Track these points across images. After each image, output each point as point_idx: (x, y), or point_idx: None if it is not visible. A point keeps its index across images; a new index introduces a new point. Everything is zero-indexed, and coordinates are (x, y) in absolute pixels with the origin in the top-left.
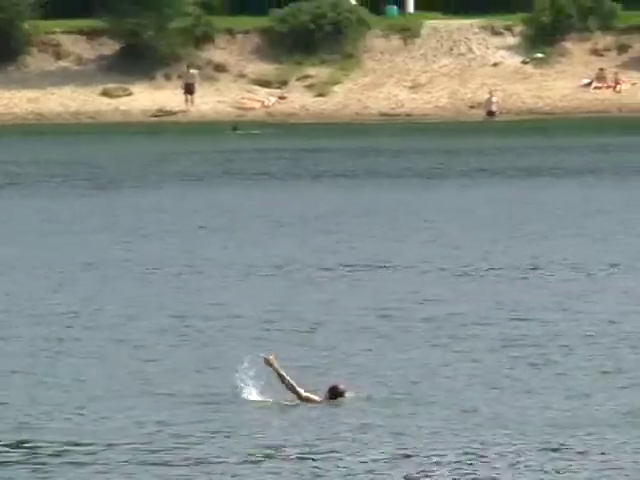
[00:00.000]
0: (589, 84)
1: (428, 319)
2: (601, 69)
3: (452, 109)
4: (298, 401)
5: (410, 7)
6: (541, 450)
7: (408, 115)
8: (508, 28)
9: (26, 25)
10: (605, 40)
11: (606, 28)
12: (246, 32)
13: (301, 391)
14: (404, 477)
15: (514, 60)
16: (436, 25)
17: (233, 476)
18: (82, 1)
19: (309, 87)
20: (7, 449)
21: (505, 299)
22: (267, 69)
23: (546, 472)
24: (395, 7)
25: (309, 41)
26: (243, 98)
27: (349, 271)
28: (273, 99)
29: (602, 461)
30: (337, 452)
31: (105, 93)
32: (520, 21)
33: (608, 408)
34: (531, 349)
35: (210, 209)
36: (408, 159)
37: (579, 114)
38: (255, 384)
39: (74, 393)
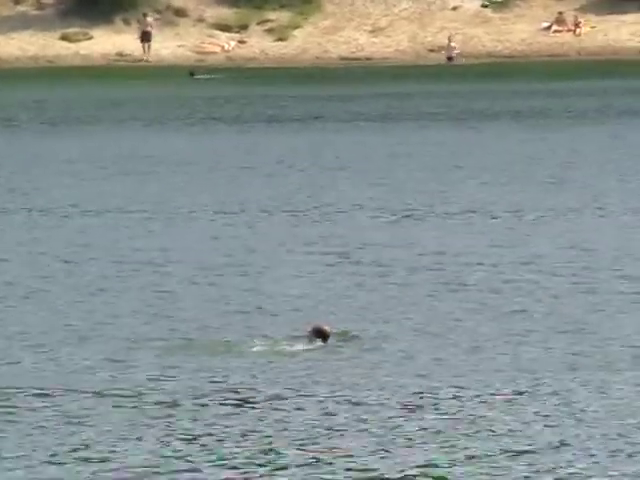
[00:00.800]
0: (548, 27)
1: (368, 263)
2: (560, 13)
3: (412, 53)
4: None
5: None
6: (481, 395)
7: (368, 59)
8: None
9: None
10: None
11: None
12: None
13: None
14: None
15: (473, 4)
16: None
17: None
18: None
19: (269, 31)
20: None
21: (447, 243)
22: (227, 13)
23: (484, 417)
24: None
25: None
26: (203, 43)
27: (291, 215)
28: (233, 43)
29: (551, 404)
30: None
31: (64, 37)
32: None
33: (548, 353)
34: (473, 294)
35: (132, 154)
36: (362, 103)
37: (538, 58)
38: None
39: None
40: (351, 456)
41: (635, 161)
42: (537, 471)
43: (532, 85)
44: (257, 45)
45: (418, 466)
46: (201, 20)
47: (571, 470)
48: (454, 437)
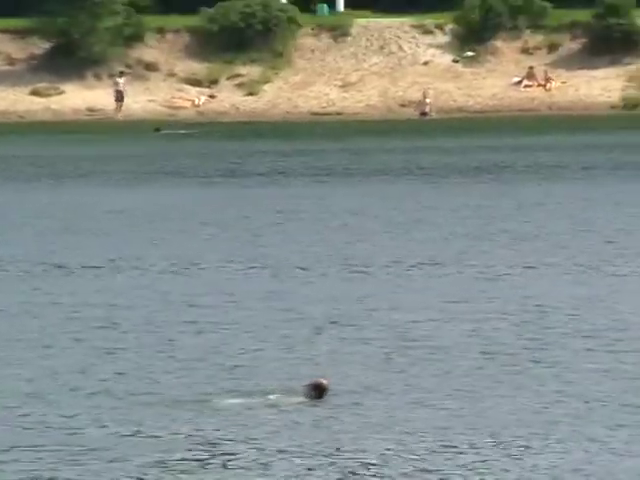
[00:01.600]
0: (519, 82)
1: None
2: (531, 67)
3: (383, 108)
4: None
5: (340, 6)
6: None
7: (339, 114)
8: (438, 26)
9: None
10: (535, 39)
11: (536, 27)
12: (176, 31)
13: None
14: None
15: (445, 59)
16: (366, 24)
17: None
18: (11, 0)
19: (239, 86)
20: None
21: (398, 298)
22: (197, 68)
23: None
24: (325, 5)
25: (239, 40)
26: (173, 97)
27: (242, 268)
28: (203, 98)
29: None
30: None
31: (35, 92)
32: (450, 19)
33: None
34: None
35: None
36: (325, 158)
37: (509, 112)
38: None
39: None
40: None
41: (595, 215)
42: None
43: (502, 140)
44: (227, 100)
45: None
46: (172, 74)
47: None
48: None
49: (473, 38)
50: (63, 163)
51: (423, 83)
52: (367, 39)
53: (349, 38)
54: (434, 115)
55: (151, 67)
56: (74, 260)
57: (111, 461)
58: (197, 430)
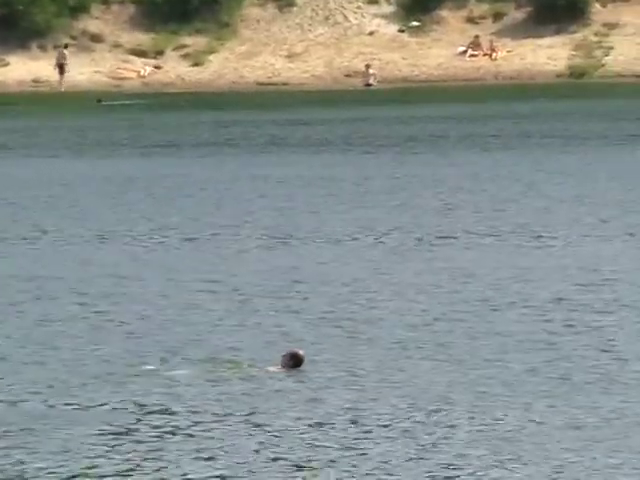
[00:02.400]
0: (465, 52)
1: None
2: (476, 36)
3: (328, 78)
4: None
5: None
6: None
7: (284, 84)
8: None
9: None
10: (480, 8)
11: None
12: (121, 2)
13: None
14: None
15: (390, 29)
16: None
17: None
18: None
19: (185, 56)
20: None
21: (329, 269)
22: (143, 39)
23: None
24: None
25: (184, 10)
26: (119, 68)
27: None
28: (149, 69)
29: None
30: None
31: None
32: None
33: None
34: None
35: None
36: (267, 129)
37: (455, 82)
38: None
39: None
40: None
41: (532, 184)
42: None
43: (445, 110)
44: (173, 70)
45: None
46: (117, 46)
47: None
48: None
49: (418, 8)
50: (14, 134)
51: (368, 53)
52: (312, 9)
53: (295, 8)
54: (377, 85)
55: (96, 38)
56: (5, 230)
57: (51, 433)
58: (148, 400)
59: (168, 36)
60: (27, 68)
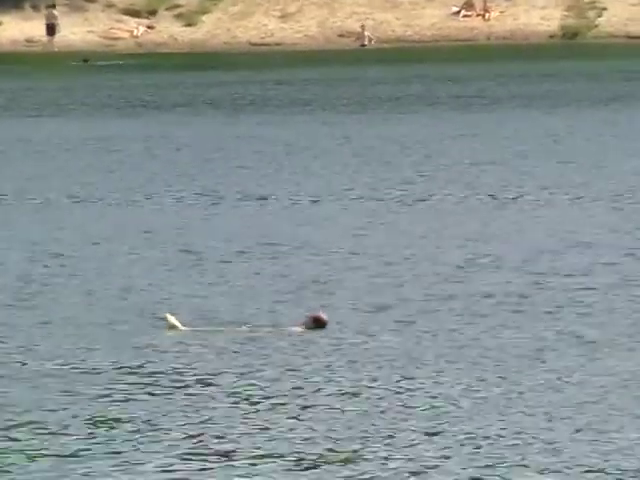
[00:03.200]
0: (458, 12)
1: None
2: None
3: (321, 38)
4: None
5: None
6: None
7: (277, 44)
8: None
9: None
10: None
11: None
12: None
13: None
14: None
15: None
16: None
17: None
18: None
19: (178, 16)
20: None
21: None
22: None
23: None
24: None
25: None
26: (112, 28)
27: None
28: (142, 29)
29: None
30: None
31: None
32: None
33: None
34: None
35: None
36: (254, 89)
37: (448, 42)
38: None
39: None
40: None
41: (514, 144)
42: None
43: (435, 70)
44: (166, 30)
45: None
46: (110, 5)
47: None
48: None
49: None
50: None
51: (361, 13)
52: None
53: None
54: (372, 45)
55: None
56: None
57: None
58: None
59: None
60: (20, 28)
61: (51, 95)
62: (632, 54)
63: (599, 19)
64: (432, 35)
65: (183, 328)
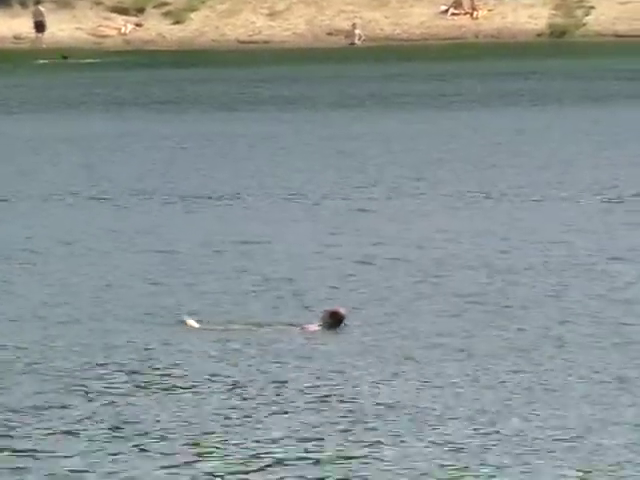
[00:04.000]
0: (446, 11)
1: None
2: None
3: (310, 36)
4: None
5: None
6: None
7: (266, 42)
8: None
9: None
10: None
11: None
12: None
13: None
14: None
15: None
16: None
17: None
18: None
19: (166, 14)
20: None
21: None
22: None
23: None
24: None
25: None
26: (100, 26)
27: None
28: (130, 26)
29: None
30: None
31: None
32: None
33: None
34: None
35: None
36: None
37: (437, 41)
38: None
39: None
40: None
41: (497, 142)
42: None
43: (424, 68)
44: (154, 28)
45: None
46: (98, 3)
47: None
48: None
49: None
50: None
51: (350, 12)
52: None
53: None
54: (361, 44)
55: None
56: None
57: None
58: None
59: None
60: (8, 25)
61: (19, 92)
62: (620, 53)
63: (587, 17)
64: (421, 34)
65: (198, 326)
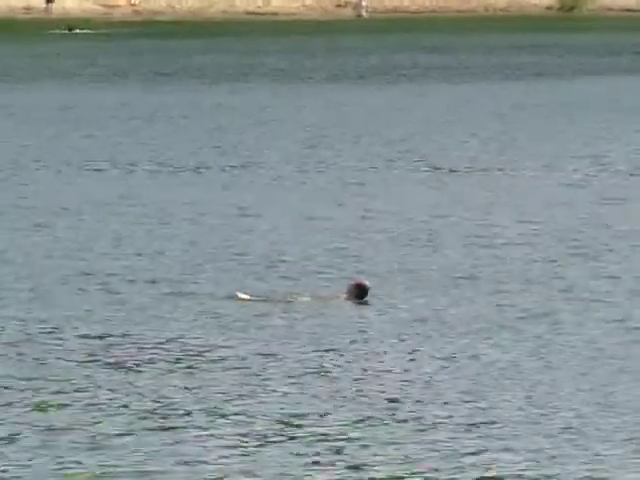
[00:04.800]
0: None
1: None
2: None
3: (319, 8)
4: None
5: None
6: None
7: (274, 14)
8: None
9: None
10: None
11: None
12: None
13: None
14: None
15: None
16: None
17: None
18: None
19: None
20: None
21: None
22: None
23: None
24: None
25: None
26: None
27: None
28: None
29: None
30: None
31: None
32: None
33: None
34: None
35: None
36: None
37: (446, 13)
38: None
39: None
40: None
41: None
42: None
43: (432, 40)
44: None
45: None
46: None
47: None
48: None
49: None
50: None
51: None
52: None
53: None
54: (367, 16)
55: None
56: None
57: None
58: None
59: None
60: None
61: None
62: (629, 27)
63: None
64: (430, 6)
65: (249, 298)
